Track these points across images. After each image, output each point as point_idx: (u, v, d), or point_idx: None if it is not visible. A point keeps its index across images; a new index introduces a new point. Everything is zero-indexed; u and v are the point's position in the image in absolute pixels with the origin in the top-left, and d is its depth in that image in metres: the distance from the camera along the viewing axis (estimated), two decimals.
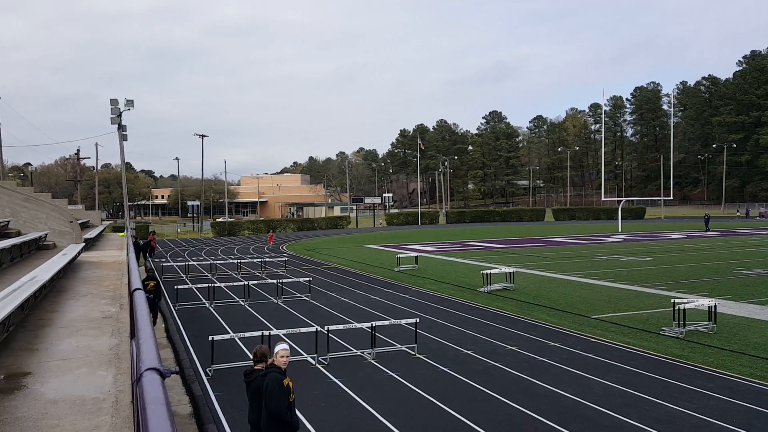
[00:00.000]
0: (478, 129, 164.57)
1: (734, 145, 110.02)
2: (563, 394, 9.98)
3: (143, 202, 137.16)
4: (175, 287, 20.47)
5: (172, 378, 11.54)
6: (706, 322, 14.28)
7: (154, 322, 15.20)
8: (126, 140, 42.13)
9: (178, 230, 76.97)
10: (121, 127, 41.40)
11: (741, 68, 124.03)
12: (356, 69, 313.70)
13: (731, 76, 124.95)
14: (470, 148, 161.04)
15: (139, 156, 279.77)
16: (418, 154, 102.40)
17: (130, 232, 26.96)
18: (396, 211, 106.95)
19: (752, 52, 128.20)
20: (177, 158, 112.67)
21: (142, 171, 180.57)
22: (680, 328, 13.85)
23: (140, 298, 5.23)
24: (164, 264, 32.75)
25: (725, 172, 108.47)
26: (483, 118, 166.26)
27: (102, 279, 15.26)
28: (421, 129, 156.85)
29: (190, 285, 22.12)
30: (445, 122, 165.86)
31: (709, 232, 49.99)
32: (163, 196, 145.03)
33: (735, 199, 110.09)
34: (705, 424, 8.47)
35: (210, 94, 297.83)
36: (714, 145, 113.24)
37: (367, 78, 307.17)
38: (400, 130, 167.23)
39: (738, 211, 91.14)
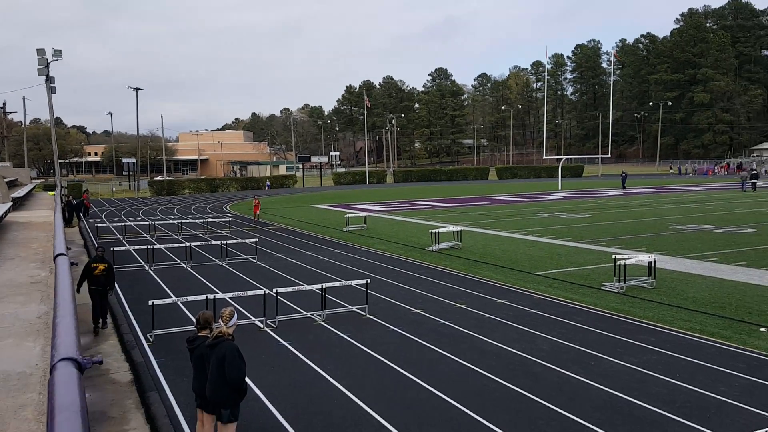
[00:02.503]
0: (424, 86, 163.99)
1: (669, 103, 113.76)
2: (511, 350, 10.10)
3: (75, 159, 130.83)
4: (112, 249, 19.61)
5: (110, 344, 11.06)
6: (645, 277, 14.74)
7: (104, 322, 12.17)
8: (54, 93, 39.75)
9: (113, 189, 74.30)
10: (49, 79, 38.97)
11: (678, 26, 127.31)
12: (304, 20, 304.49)
13: (669, 34, 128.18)
14: (417, 106, 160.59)
15: (72, 111, 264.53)
16: (365, 112, 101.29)
17: (61, 190, 25.54)
18: (343, 170, 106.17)
19: (689, 9, 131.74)
20: (110, 113, 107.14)
21: (74, 127, 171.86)
22: (621, 284, 14.24)
23: (63, 265, 4.78)
24: (99, 224, 31.40)
25: (660, 130, 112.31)
26: (429, 75, 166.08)
27: (31, 241, 14.38)
28: (367, 85, 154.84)
29: (128, 246, 21.27)
30: (392, 79, 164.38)
31: (625, 190, 50.61)
32: (96, 154, 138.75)
33: (669, 156, 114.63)
34: (649, 379, 8.71)
35: (147, 44, 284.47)
36: (650, 103, 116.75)
37: (314, 31, 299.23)
38: (347, 87, 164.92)
39: (671, 168, 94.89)
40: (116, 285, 15.97)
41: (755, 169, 57.45)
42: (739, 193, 45.60)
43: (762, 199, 39.09)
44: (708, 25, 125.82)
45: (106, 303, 12.33)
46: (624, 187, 52.88)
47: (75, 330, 2.79)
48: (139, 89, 72.27)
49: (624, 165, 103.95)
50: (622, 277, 14.27)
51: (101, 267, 12.06)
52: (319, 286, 12.66)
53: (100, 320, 12.06)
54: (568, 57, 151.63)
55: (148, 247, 19.81)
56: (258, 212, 33.45)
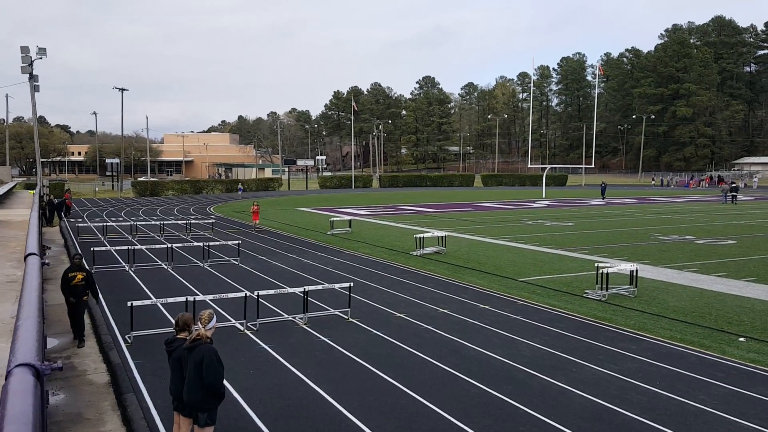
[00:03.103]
0: (411, 94, 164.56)
1: (653, 116, 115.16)
2: (493, 356, 10.07)
3: (58, 158, 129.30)
4: (92, 249, 19.32)
5: (88, 345, 10.86)
6: (627, 286, 14.82)
7: (80, 340, 10.86)
8: (38, 91, 39.28)
9: (96, 189, 73.47)
10: (33, 77, 38.47)
11: (662, 41, 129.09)
12: (294, 25, 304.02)
13: (653, 48, 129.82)
14: (404, 112, 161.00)
15: (57, 110, 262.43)
16: (352, 117, 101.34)
17: (41, 189, 25.14)
18: (329, 174, 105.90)
19: (674, 25, 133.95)
20: (95, 113, 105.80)
21: (58, 126, 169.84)
22: (603, 291, 14.31)
23: (33, 265, 4.67)
24: (80, 224, 30.97)
25: (643, 142, 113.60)
26: (416, 82, 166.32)
27: (8, 240, 14.12)
28: (355, 91, 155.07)
29: (109, 247, 20.99)
30: (380, 85, 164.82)
31: (605, 200, 50.69)
32: (80, 153, 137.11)
33: (651, 168, 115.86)
34: (630, 387, 8.73)
35: (135, 44, 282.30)
36: (634, 116, 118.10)
37: (305, 35, 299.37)
38: (334, 92, 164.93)
39: (653, 180, 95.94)
40: (96, 285, 15.75)
41: (735, 182, 58.24)
42: (719, 205, 46.19)
43: (742, 211, 39.63)
44: (692, 41, 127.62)
45: (82, 318, 10.99)
46: (603, 197, 53.07)
47: (36, 334, 2.66)
48: (125, 89, 71.86)
49: (607, 176, 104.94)
50: (604, 285, 14.33)
51: (80, 276, 10.97)
52: (301, 289, 12.55)
53: (78, 337, 10.92)
54: (553, 69, 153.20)
55: (129, 247, 19.55)
56: (257, 220, 29.76)
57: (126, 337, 11.04)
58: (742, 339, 10.96)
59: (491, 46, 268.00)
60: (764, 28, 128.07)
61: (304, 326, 11.92)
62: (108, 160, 79.06)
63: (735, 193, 50.62)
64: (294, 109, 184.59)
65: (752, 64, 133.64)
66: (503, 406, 8.04)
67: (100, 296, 14.52)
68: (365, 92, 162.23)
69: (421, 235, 21.67)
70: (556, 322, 12.20)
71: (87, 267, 11.95)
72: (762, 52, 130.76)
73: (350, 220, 29.85)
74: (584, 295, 14.52)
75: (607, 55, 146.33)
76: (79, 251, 18.72)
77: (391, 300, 14.20)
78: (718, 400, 8.19)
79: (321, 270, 18.35)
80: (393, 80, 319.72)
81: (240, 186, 68.41)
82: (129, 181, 77.36)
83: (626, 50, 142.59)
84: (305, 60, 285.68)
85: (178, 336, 6.53)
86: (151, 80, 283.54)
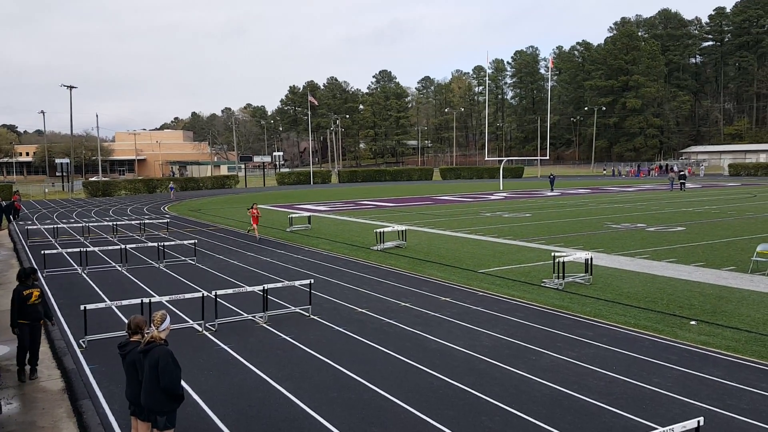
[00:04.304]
0: (368, 88, 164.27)
1: (604, 108, 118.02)
2: (455, 347, 10.16)
3: (5, 159, 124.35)
4: (43, 252, 18.68)
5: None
6: (583, 274, 15.17)
7: (33, 369, 9.35)
8: None
9: (46, 190, 71.17)
10: None
11: (611, 34, 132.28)
12: (249, 20, 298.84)
13: (603, 42, 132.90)
14: (361, 107, 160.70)
15: (2, 110, 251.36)
16: (309, 112, 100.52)
17: None
18: (287, 170, 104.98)
19: (622, 18, 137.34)
20: (43, 112, 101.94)
21: (4, 126, 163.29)
22: (560, 280, 14.60)
23: None
24: (30, 227, 29.89)
25: (595, 134, 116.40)
26: (373, 77, 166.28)
27: None
28: (311, 86, 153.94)
29: (60, 249, 20.34)
30: (336, 80, 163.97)
31: (554, 192, 50.48)
32: (28, 154, 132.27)
33: (604, 158, 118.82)
34: (587, 372, 8.93)
35: (84, 41, 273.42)
36: (585, 108, 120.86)
37: (260, 31, 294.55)
38: (290, 87, 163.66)
39: (605, 170, 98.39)
40: (48, 290, 15.22)
41: (683, 170, 60.35)
42: (668, 193, 47.75)
43: (690, 199, 41.04)
44: (640, 33, 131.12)
45: (38, 342, 9.45)
46: (552, 189, 52.41)
47: None
48: (73, 87, 69.56)
49: (561, 167, 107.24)
50: (560, 274, 14.63)
51: (36, 293, 9.23)
52: (260, 288, 12.40)
53: (27, 365, 9.31)
54: (508, 62, 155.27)
55: (82, 249, 18.97)
56: (256, 225, 24.63)
57: (80, 341, 10.72)
58: (693, 322, 11.34)
59: (447, 40, 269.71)
60: (708, 21, 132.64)
61: (265, 325, 11.79)
62: (57, 161, 76.61)
63: (683, 181, 52.57)
64: (249, 105, 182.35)
65: (697, 56, 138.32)
66: (466, 396, 8.12)
67: (53, 301, 14.04)
68: (322, 87, 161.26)
69: (382, 230, 21.69)
70: (515, 312, 12.39)
71: (42, 284, 10.78)
72: (706, 44, 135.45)
73: (309, 217, 29.65)
74: (542, 284, 14.79)
75: (559, 48, 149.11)
76: (34, 264, 17.65)
77: (352, 295, 14.17)
78: (672, 382, 8.46)
79: (281, 267, 18.18)
80: (350, 75, 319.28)
81: (171, 185, 60.34)
82: (80, 181, 75.15)
83: (577, 43, 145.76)
84: (261, 56, 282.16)
85: (132, 339, 6.37)
86: (102, 78, 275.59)
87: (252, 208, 25.00)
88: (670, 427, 5.53)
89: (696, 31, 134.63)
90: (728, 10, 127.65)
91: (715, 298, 13.11)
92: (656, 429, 5.64)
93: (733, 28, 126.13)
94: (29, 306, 9.17)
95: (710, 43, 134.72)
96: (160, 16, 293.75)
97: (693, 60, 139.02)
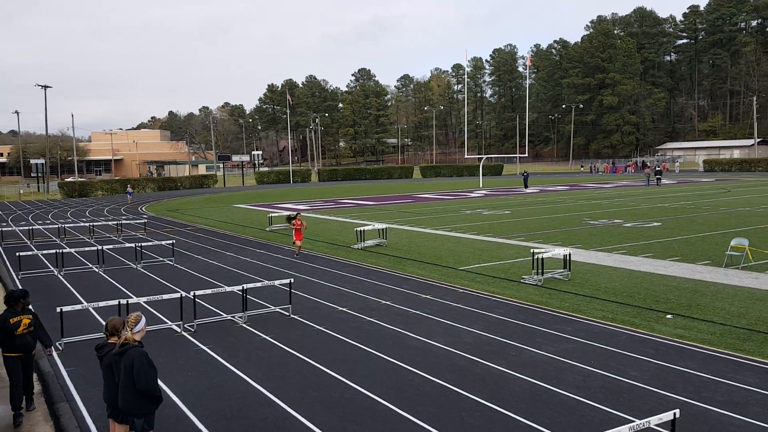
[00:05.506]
0: (347, 87, 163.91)
1: (581, 106, 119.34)
2: (436, 344, 10.19)
3: None
4: (18, 254, 18.36)
5: None
6: (561, 270, 15.31)
7: (29, 400, 8.05)
8: None
9: (21, 191, 69.96)
10: None
11: (588, 32, 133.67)
12: (228, 18, 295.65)
13: (580, 40, 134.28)
14: (341, 105, 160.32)
15: None
16: (288, 110, 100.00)
17: None
18: (266, 169, 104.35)
19: (598, 17, 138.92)
20: (17, 112, 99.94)
21: None
22: (539, 276, 14.73)
23: None
24: (5, 229, 29.31)
25: (573, 131, 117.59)
26: (353, 75, 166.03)
27: None
28: (290, 84, 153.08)
29: (36, 251, 20.02)
30: (315, 78, 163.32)
31: (527, 189, 50.25)
32: (2, 154, 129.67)
33: (581, 155, 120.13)
34: (566, 367, 9.02)
35: (59, 40, 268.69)
36: (563, 106, 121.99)
37: (239, 29, 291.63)
38: (269, 85, 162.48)
39: (582, 167, 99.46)
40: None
41: (659, 167, 61.32)
42: (644, 189, 48.41)
43: (666, 194, 41.65)
44: (616, 31, 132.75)
45: (31, 374, 8.14)
46: (526, 186, 52.01)
47: None
48: (48, 87, 68.44)
49: (539, 164, 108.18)
50: (539, 270, 14.75)
51: (26, 321, 7.80)
52: (240, 288, 12.31)
53: (24, 400, 7.95)
54: (486, 60, 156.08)
55: (58, 251, 18.67)
56: (301, 240, 20.09)
57: (57, 344, 10.54)
58: (669, 316, 11.52)
59: (427, 38, 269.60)
60: (683, 19, 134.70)
61: (244, 325, 11.71)
62: (33, 161, 75.31)
63: (659, 176, 53.45)
64: (227, 104, 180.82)
65: (672, 53, 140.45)
66: (447, 393, 8.15)
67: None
68: (301, 85, 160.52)
69: (362, 228, 21.68)
70: (495, 308, 12.46)
71: (31, 308, 8.63)
72: (681, 41, 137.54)
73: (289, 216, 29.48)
74: (521, 281, 14.91)
75: (537, 46, 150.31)
76: (22, 287, 16.62)
77: (333, 294, 14.15)
78: (649, 376, 8.58)
79: (260, 267, 18.08)
80: (329, 73, 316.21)
81: (129, 189, 56.25)
82: (55, 182, 74.00)
83: (555, 42, 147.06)
84: (239, 54, 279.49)
85: (109, 341, 6.29)
86: (77, 77, 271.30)
87: (295, 218, 20.31)
88: (647, 419, 5.61)
89: (671, 29, 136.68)
90: (702, 8, 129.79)
91: (690, 292, 13.33)
92: (633, 421, 5.72)
93: (707, 26, 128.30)
94: (16, 336, 7.70)
95: (684, 41, 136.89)
96: (137, 14, 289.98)
97: (668, 58, 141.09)
